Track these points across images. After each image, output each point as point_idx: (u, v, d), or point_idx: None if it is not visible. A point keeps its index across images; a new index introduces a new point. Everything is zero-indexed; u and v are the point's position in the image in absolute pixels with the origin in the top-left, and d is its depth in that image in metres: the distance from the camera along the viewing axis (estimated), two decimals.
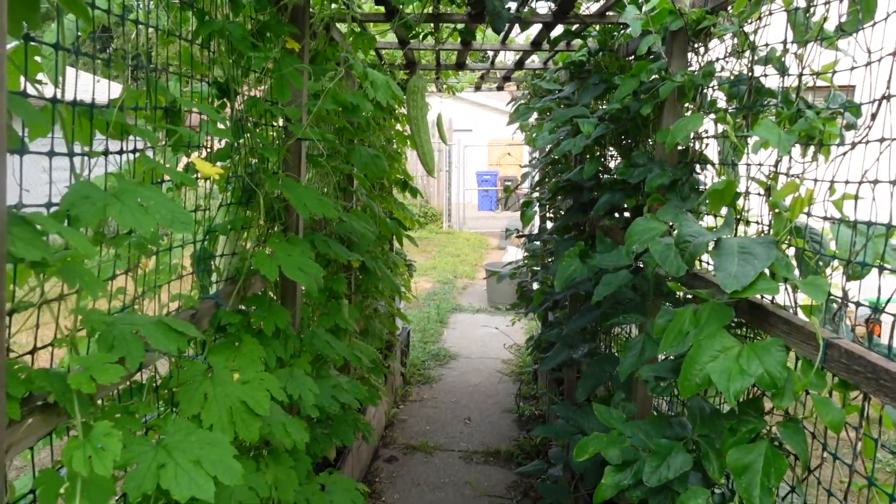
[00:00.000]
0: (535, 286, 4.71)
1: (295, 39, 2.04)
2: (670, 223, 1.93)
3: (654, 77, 2.25)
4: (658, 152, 2.24)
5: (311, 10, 2.24)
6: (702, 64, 2.16)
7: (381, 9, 2.45)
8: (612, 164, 3.05)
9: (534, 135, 2.67)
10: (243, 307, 1.83)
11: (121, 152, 1.14)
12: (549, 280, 3.62)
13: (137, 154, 1.23)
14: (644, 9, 2.26)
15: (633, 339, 1.96)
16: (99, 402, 1.19)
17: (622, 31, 2.88)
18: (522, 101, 4.35)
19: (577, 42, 3.35)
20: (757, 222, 1.79)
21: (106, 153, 1.08)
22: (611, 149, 3.13)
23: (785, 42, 1.66)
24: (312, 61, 2.41)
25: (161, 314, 1.33)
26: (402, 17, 2.36)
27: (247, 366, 1.60)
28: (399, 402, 5.02)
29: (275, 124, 2.08)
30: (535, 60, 4.33)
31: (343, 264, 3.08)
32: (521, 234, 4.49)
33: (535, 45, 3.16)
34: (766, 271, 1.48)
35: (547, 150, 3.78)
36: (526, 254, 4.68)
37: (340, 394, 2.28)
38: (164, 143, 1.32)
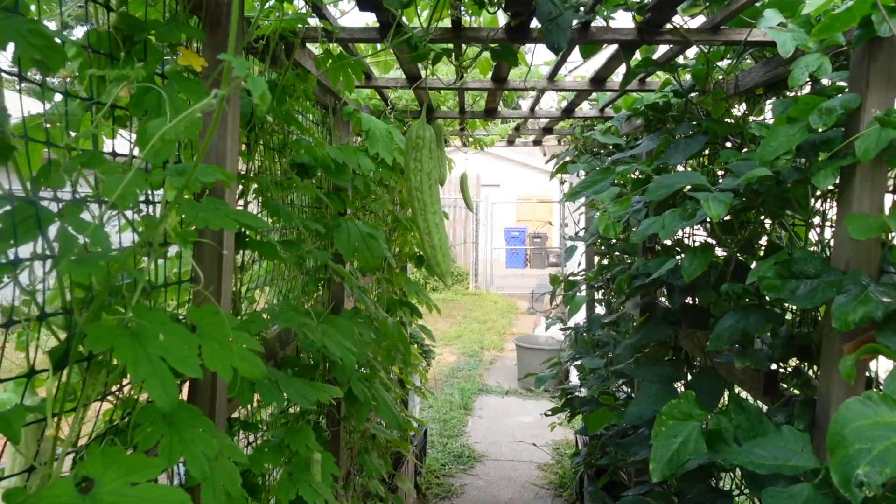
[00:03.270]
0: (583, 391, 3.73)
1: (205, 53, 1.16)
2: None
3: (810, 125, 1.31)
4: (838, 254, 1.29)
5: (248, 14, 1.37)
6: None
7: (372, 20, 1.57)
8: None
9: (609, 212, 1.73)
10: None
11: None
12: (610, 402, 2.63)
13: None
14: (805, 10, 1.34)
15: None
16: None
17: (731, 62, 1.97)
18: (568, 159, 3.45)
19: (649, 81, 2.45)
20: None
21: None
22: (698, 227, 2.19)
23: None
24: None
25: None
26: (400, 32, 1.48)
27: None
28: None
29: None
30: (582, 108, 3.43)
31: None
32: (564, 326, 3.51)
33: (597, 82, 2.26)
34: None
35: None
36: (566, 343, 3.74)
37: None
38: None
